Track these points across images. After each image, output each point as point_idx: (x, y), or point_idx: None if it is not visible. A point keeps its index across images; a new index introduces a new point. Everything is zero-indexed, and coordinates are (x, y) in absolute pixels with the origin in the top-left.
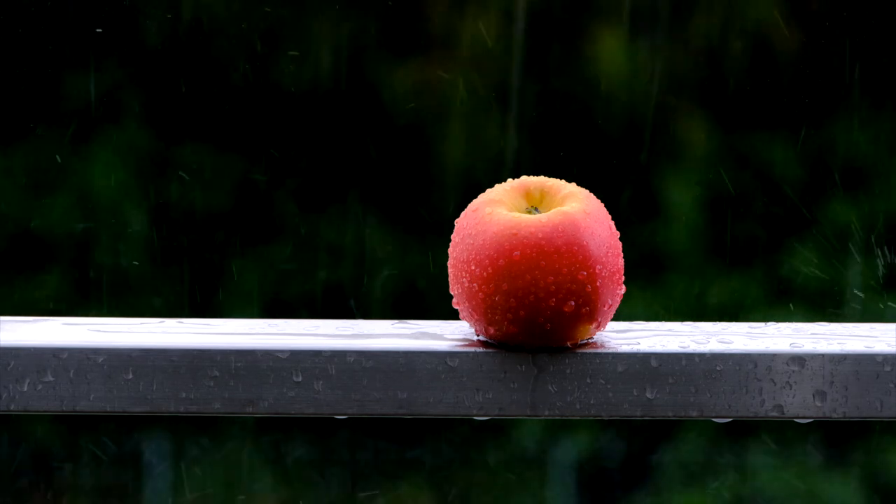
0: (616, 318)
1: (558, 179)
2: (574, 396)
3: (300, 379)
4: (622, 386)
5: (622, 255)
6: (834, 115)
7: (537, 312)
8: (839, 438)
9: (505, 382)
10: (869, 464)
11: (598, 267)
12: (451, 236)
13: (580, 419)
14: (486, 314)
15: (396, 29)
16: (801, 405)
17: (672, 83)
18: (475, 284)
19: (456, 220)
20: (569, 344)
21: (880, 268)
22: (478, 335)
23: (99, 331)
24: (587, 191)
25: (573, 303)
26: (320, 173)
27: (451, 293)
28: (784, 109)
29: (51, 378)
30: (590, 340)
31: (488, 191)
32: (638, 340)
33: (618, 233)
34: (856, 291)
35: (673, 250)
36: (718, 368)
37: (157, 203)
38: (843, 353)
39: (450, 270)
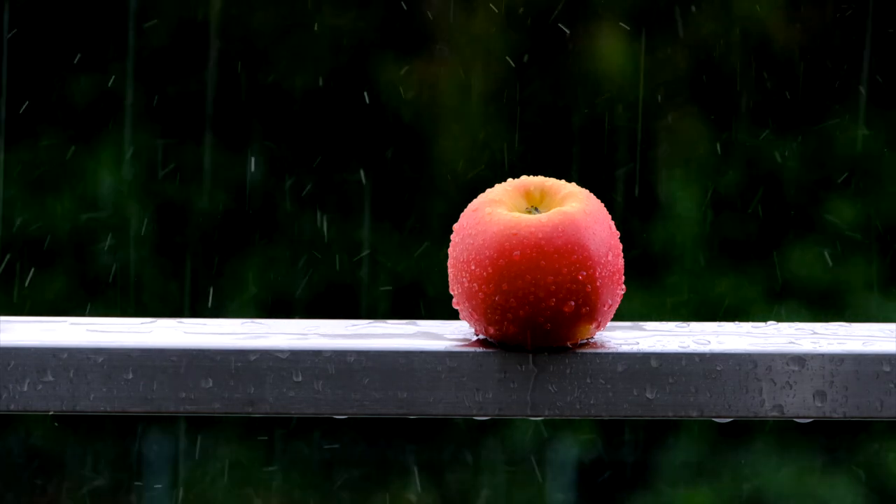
0: (616, 318)
1: (558, 179)
2: (574, 396)
3: (300, 379)
4: (622, 386)
5: (622, 255)
6: (834, 115)
7: (537, 312)
8: (839, 438)
9: (504, 382)
10: (869, 464)
11: (598, 267)
12: (451, 236)
13: (580, 419)
14: (486, 314)
15: (397, 28)
16: (801, 405)
17: (672, 83)
18: (475, 284)
19: (455, 221)
20: (569, 344)
21: (880, 267)
22: (478, 335)
23: (99, 331)
24: (587, 191)
25: (573, 303)
26: (320, 173)
27: (451, 293)
28: (784, 109)
29: (51, 378)
30: (590, 340)
31: (488, 191)
32: (638, 340)
33: (618, 233)
34: (856, 291)
35: (673, 250)
36: (718, 368)
37: (157, 203)
38: (843, 353)
39: (450, 270)
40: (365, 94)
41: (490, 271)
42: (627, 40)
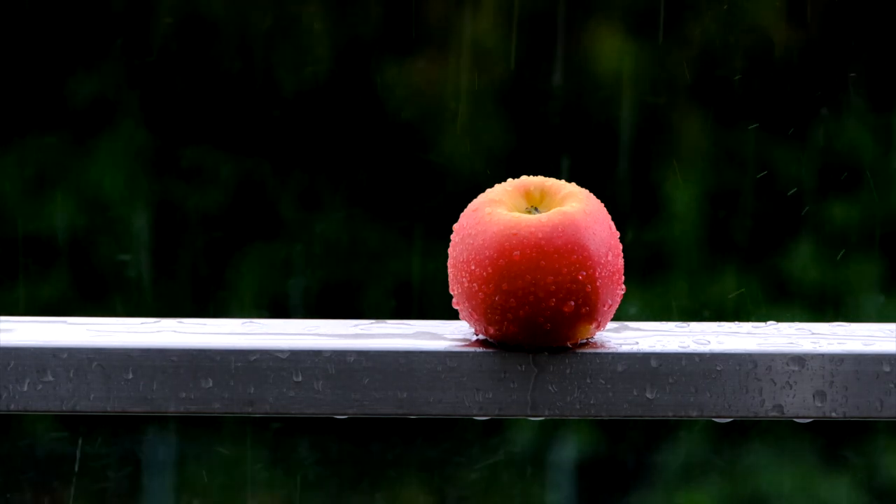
0: (616, 317)
1: (558, 179)
2: (574, 396)
3: (300, 379)
4: (622, 386)
5: (622, 254)
6: (833, 115)
7: (537, 312)
8: (839, 438)
9: (505, 382)
10: (869, 464)
11: (598, 267)
12: (451, 236)
13: (580, 419)
14: (485, 314)
15: (396, 28)
16: (801, 405)
17: (672, 82)
18: (475, 284)
19: (455, 221)
20: (569, 344)
21: (880, 268)
22: (477, 335)
23: (99, 331)
24: (587, 191)
25: (573, 303)
26: (320, 173)
27: (451, 293)
28: (784, 109)
29: (51, 378)
30: (590, 340)
31: (488, 191)
32: (637, 340)
33: (618, 233)
34: (855, 291)
35: (673, 249)
36: (718, 368)
37: (157, 203)
38: (843, 353)
39: (449, 270)
40: (364, 93)
41: (490, 271)
42: (627, 40)
